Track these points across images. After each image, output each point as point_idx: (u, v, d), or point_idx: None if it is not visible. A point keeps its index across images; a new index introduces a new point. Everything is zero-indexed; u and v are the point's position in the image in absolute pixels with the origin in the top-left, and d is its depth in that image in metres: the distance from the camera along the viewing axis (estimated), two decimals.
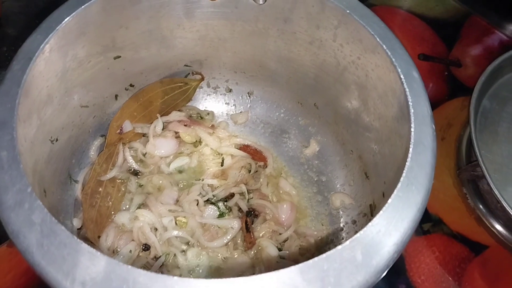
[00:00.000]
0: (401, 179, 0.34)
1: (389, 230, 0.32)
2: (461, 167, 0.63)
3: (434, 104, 0.71)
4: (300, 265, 0.30)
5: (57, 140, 0.49)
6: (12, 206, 0.32)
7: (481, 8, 0.83)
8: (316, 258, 0.30)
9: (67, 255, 0.30)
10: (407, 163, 0.35)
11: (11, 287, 0.53)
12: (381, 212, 0.33)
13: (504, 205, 0.54)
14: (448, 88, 0.73)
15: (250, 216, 0.55)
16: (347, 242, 0.31)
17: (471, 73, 0.74)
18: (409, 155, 0.35)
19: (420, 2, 0.83)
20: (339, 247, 0.31)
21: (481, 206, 0.61)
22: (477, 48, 0.78)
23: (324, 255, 0.30)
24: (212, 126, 0.62)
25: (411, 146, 0.36)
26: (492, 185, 0.54)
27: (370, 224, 0.32)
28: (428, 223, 0.61)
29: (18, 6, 0.71)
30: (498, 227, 0.60)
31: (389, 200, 0.33)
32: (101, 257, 0.30)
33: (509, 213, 0.54)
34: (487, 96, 0.65)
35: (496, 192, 0.54)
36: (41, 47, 0.40)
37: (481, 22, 0.80)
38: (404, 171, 0.34)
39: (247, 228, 0.54)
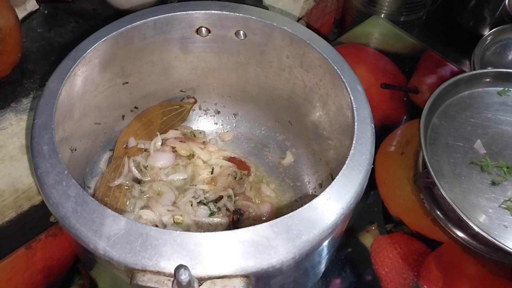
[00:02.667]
0: (346, 162, 0.43)
1: (337, 198, 0.41)
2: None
3: (395, 125, 0.81)
4: (270, 222, 0.39)
5: (76, 150, 0.57)
6: (53, 184, 0.41)
7: (435, 44, 0.95)
8: (282, 217, 0.39)
9: (95, 218, 0.39)
10: (351, 151, 0.44)
11: (28, 283, 0.60)
12: (331, 185, 0.42)
13: (454, 207, 0.62)
14: (407, 112, 0.83)
15: (236, 215, 0.63)
16: (306, 206, 0.40)
17: (426, 98, 0.81)
18: (353, 145, 0.45)
19: (383, 40, 0.94)
20: (299, 209, 0.40)
21: (436, 209, 0.69)
22: (432, 78, 0.88)
23: (288, 215, 0.39)
24: (204, 142, 0.70)
25: (355, 139, 0.45)
26: (442, 189, 0.63)
27: (322, 193, 0.41)
28: (390, 224, 0.69)
29: (36, 46, 0.82)
30: (451, 226, 0.67)
31: (337, 177, 0.42)
32: (122, 218, 0.38)
33: (459, 214, 0.61)
34: (436, 115, 0.74)
35: (446, 196, 0.62)
36: (70, 70, 0.49)
37: (435, 56, 0.91)
38: (348, 156, 0.44)
39: (234, 224, 0.62)
